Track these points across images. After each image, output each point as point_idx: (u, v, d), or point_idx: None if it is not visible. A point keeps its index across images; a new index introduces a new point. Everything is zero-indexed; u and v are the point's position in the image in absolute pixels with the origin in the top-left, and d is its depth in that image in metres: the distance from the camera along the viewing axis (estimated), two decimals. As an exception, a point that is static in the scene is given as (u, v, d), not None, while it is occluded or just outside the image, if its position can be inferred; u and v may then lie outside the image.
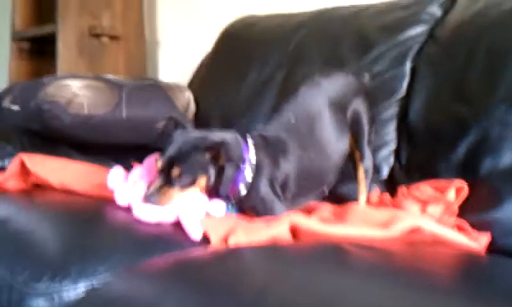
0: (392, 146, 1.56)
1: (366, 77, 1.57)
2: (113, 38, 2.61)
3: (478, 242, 1.17)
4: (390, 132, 1.57)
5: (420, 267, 0.94)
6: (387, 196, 1.44)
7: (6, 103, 1.87)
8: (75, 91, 1.72)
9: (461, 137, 1.37)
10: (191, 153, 1.19)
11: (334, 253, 0.98)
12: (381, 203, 1.41)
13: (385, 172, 1.55)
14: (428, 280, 0.87)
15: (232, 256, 0.99)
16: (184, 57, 2.64)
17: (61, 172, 1.46)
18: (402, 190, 1.40)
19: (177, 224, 1.18)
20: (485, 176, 1.29)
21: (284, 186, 1.29)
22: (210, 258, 0.99)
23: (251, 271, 0.89)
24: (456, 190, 1.30)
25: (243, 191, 1.25)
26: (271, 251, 1.01)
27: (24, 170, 1.47)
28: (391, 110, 1.58)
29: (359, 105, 1.44)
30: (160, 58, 2.79)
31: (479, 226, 1.23)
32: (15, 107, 1.81)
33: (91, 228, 1.15)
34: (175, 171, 1.18)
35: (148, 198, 1.17)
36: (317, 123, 1.36)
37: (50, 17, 2.64)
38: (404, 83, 1.60)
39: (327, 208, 1.34)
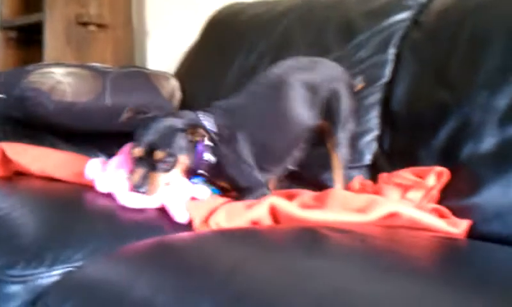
0: (375, 132, 1.56)
1: (359, 80, 1.57)
2: (101, 26, 2.59)
3: (457, 227, 1.17)
4: (373, 118, 1.56)
5: (399, 251, 0.94)
6: (369, 182, 1.44)
7: (-9, 91, 1.86)
8: (58, 78, 1.71)
9: (442, 123, 1.37)
10: (171, 135, 1.21)
11: (310, 236, 0.98)
12: (362, 190, 1.41)
13: (368, 158, 1.55)
14: (406, 263, 0.86)
15: (208, 239, 0.99)
16: (172, 46, 2.62)
17: (42, 160, 1.45)
18: (383, 176, 1.40)
19: (160, 209, 1.18)
20: (465, 161, 1.28)
21: (248, 153, 1.32)
22: (187, 242, 0.99)
23: (225, 253, 0.89)
24: (437, 175, 1.30)
25: (212, 159, 1.28)
26: (249, 233, 1.01)
27: (4, 159, 1.46)
28: (374, 96, 1.58)
29: (338, 91, 1.44)
30: (149, 47, 2.78)
31: (459, 212, 1.22)
32: (0, 95, 1.80)
33: (71, 214, 1.15)
34: (159, 155, 1.19)
35: (136, 187, 1.18)
36: (282, 94, 1.38)
37: (38, 6, 2.62)
38: (388, 69, 1.59)
39: (308, 194, 1.33)
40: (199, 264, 0.83)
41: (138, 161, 1.21)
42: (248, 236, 0.99)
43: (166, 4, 2.69)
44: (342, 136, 1.45)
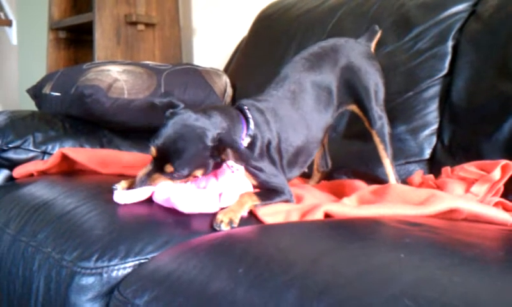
0: (435, 125, 1.53)
1: (376, 29, 1.51)
2: (149, 25, 2.63)
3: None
4: (433, 111, 1.54)
5: (474, 243, 0.91)
6: (430, 176, 1.41)
7: (47, 89, 1.90)
8: (115, 76, 1.74)
9: (505, 115, 1.34)
10: (188, 148, 1.11)
11: (379, 229, 0.97)
12: (423, 184, 1.39)
13: (428, 152, 1.53)
14: (477, 253, 0.84)
15: (277, 232, 0.98)
16: (218, 43, 2.64)
17: (105, 158, 1.48)
18: (446, 170, 1.37)
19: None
20: (531, 154, 1.26)
21: (278, 150, 1.25)
22: (256, 234, 0.98)
23: (299, 245, 0.88)
24: (502, 169, 1.27)
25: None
26: (317, 226, 1.00)
27: (65, 161, 1.49)
28: (433, 89, 1.55)
29: (353, 64, 1.39)
30: (195, 44, 2.80)
31: (526, 206, 1.20)
32: (56, 93, 1.84)
33: (139, 207, 1.14)
34: (168, 168, 1.11)
35: (138, 184, 1.14)
36: (296, 102, 1.31)
37: (87, 6, 2.68)
38: (446, 61, 1.56)
39: (367, 189, 1.31)
40: (277, 256, 0.82)
41: (152, 159, 1.14)
42: (317, 229, 0.98)
43: (212, 2, 2.71)
44: (375, 111, 1.38)
